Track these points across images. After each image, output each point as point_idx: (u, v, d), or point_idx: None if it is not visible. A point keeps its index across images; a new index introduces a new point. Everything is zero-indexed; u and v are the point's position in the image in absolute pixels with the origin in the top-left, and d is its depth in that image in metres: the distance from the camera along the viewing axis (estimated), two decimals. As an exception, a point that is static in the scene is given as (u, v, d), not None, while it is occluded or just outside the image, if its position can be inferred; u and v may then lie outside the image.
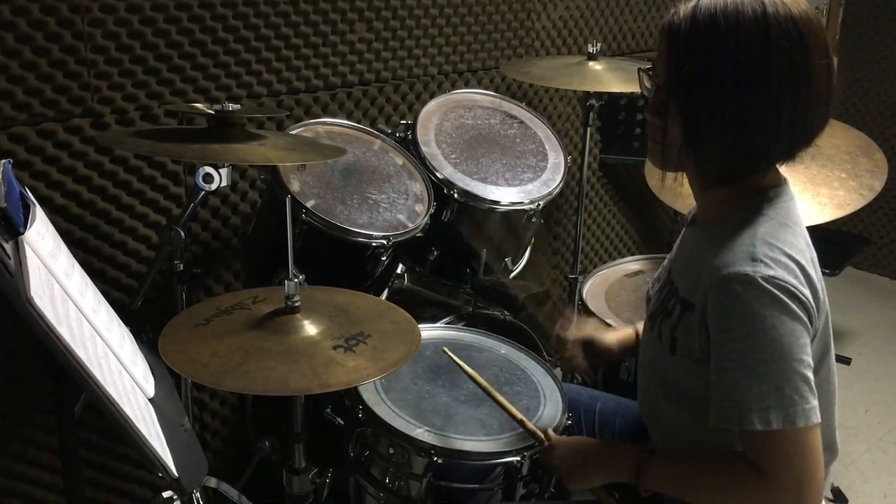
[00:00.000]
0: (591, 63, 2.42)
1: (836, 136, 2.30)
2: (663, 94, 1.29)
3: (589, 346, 1.74)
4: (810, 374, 1.19)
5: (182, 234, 1.69)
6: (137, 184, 2.00)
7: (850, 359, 3.18)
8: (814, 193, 2.13)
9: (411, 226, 1.95)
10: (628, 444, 1.42)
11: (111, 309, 1.35)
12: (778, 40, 1.19)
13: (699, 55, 1.23)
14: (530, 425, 1.54)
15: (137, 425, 1.07)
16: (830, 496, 1.69)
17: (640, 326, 1.69)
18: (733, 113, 1.22)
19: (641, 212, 3.41)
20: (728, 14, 1.20)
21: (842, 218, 2.12)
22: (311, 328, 1.40)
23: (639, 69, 1.36)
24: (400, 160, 2.10)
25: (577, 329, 1.77)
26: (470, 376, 1.60)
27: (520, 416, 1.54)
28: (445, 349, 1.65)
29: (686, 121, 1.26)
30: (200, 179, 1.65)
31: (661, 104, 1.29)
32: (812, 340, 1.22)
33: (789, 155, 1.30)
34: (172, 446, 1.15)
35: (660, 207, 3.41)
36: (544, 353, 2.11)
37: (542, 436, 1.52)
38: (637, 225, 3.42)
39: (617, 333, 1.76)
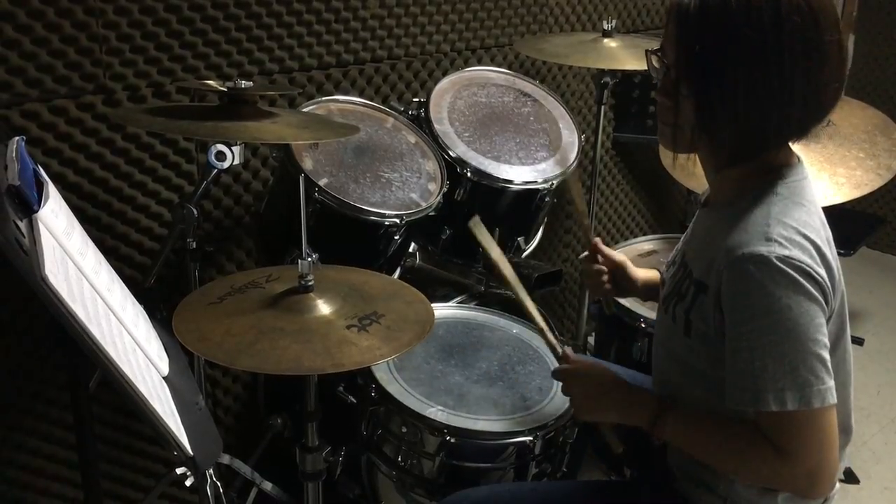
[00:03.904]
0: (605, 40, 2.39)
1: (854, 116, 2.27)
2: (674, 74, 1.28)
3: (618, 271, 1.71)
4: (826, 355, 1.18)
5: (195, 211, 1.69)
6: (150, 161, 2.00)
7: (864, 339, 3.17)
8: (831, 173, 2.11)
9: (424, 205, 1.94)
10: (649, 391, 1.41)
11: (125, 287, 1.36)
12: (789, 16, 1.17)
13: (710, 34, 1.21)
14: (551, 338, 1.48)
15: (152, 403, 1.07)
16: (842, 477, 1.68)
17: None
18: (746, 91, 1.20)
19: (655, 191, 3.38)
20: None
21: (858, 198, 2.10)
22: (324, 307, 1.40)
23: (646, 51, 1.35)
24: (413, 138, 2.09)
25: (614, 253, 1.74)
26: (493, 258, 1.50)
27: (542, 324, 1.49)
28: (473, 221, 1.50)
29: (698, 101, 1.25)
30: (213, 157, 1.64)
31: (672, 85, 1.28)
32: (828, 321, 1.21)
33: (802, 132, 1.28)
34: (187, 424, 1.16)
35: (673, 186, 3.39)
36: (556, 333, 2.11)
37: (560, 350, 1.48)
38: (650, 204, 3.40)
39: (645, 271, 1.73)
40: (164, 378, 1.26)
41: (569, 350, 1.48)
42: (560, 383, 1.56)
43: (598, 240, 1.71)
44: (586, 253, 1.73)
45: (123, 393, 1.03)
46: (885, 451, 2.76)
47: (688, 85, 1.25)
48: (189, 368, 1.37)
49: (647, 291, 1.72)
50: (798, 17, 1.18)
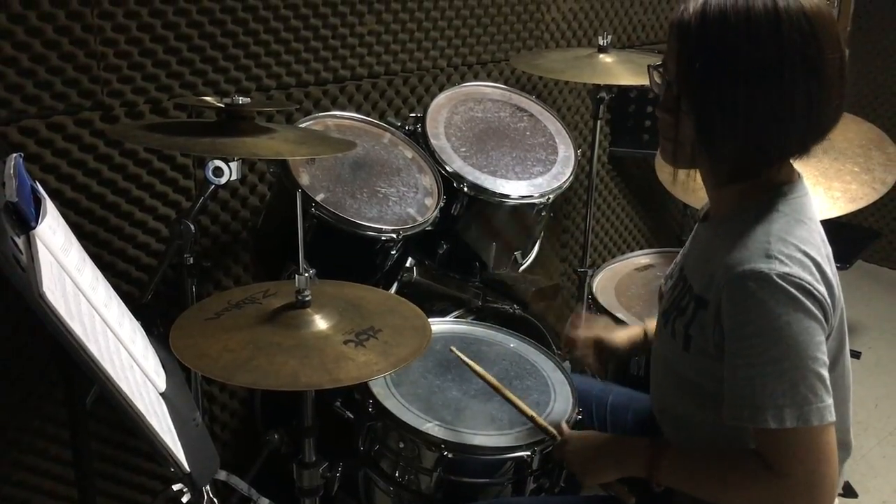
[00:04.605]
0: (601, 55, 2.40)
1: (849, 130, 2.28)
2: (675, 90, 1.28)
3: (599, 344, 1.74)
4: (825, 373, 1.18)
5: (192, 227, 1.69)
6: (147, 177, 2.00)
7: (860, 352, 3.17)
8: (826, 187, 2.12)
9: (421, 219, 1.95)
10: (642, 439, 1.42)
11: (122, 303, 1.35)
12: (789, 34, 1.17)
13: (710, 51, 1.21)
14: (541, 421, 1.53)
15: (149, 420, 1.07)
16: (841, 491, 1.69)
17: (649, 324, 1.68)
18: (746, 108, 1.20)
19: (651, 205, 3.39)
20: (738, 9, 1.19)
21: (853, 212, 2.11)
22: (321, 323, 1.40)
23: (649, 66, 1.35)
24: (409, 153, 2.10)
25: (587, 328, 1.77)
26: (479, 375, 1.60)
27: (531, 412, 1.54)
28: (453, 348, 1.64)
29: (698, 117, 1.25)
30: (210, 173, 1.64)
31: (673, 101, 1.28)
32: (827, 338, 1.21)
33: (803, 149, 1.28)
34: (184, 441, 1.15)
35: (669, 201, 3.40)
36: (554, 347, 2.11)
37: (554, 431, 1.52)
38: (647, 218, 3.41)
39: (627, 332, 1.75)
40: (162, 394, 1.26)
41: (562, 426, 1.54)
42: (556, 400, 1.63)
43: (571, 325, 1.78)
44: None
45: (120, 409, 1.03)
46: (883, 465, 2.76)
47: (688, 101, 1.25)
48: (186, 384, 1.37)
49: (632, 350, 1.75)
50: (798, 34, 1.18)
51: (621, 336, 1.74)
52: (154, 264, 2.03)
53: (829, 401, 1.17)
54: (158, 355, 1.36)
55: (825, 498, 1.19)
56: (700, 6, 1.22)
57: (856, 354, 3.09)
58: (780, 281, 1.17)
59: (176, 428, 1.18)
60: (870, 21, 4.00)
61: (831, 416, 1.17)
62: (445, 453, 1.54)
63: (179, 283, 1.79)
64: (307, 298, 1.42)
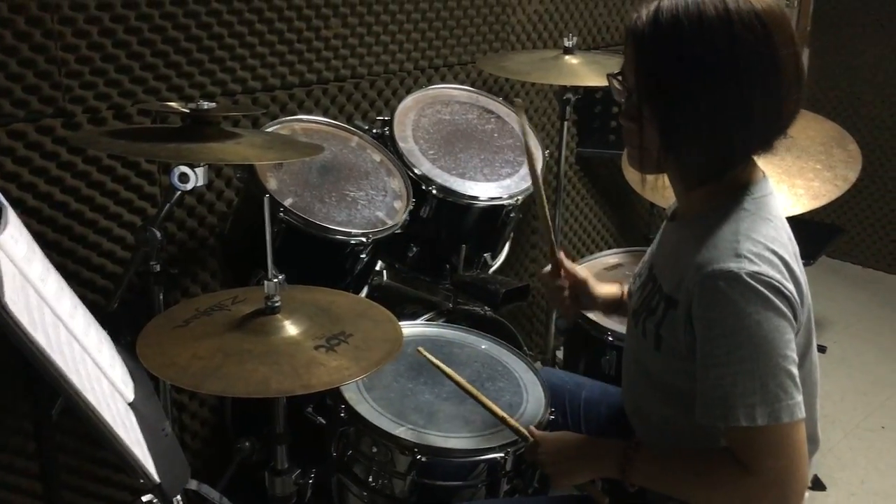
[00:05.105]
0: (567, 57, 2.42)
1: (810, 128, 2.31)
2: (636, 98, 1.29)
3: (579, 287, 1.68)
4: (795, 370, 1.19)
5: (158, 234, 1.67)
6: (111, 184, 1.97)
7: (826, 347, 3.22)
8: (790, 185, 2.15)
9: (390, 223, 1.94)
10: (614, 439, 1.42)
11: (88, 312, 1.33)
12: (743, 35, 1.19)
13: (666, 59, 1.22)
14: (513, 423, 1.53)
15: (117, 431, 1.05)
16: (809, 484, 1.71)
17: (625, 287, 1.68)
18: (707, 112, 1.22)
19: (618, 205, 3.42)
20: (690, 14, 1.20)
21: (816, 208, 2.14)
22: (291, 328, 1.39)
23: (608, 75, 1.36)
24: (378, 157, 2.09)
25: (575, 268, 1.71)
26: (449, 376, 1.59)
27: (502, 413, 1.54)
28: (420, 349, 1.62)
29: (661, 124, 1.26)
30: (176, 179, 1.62)
31: (635, 109, 1.29)
32: (795, 335, 1.23)
33: (767, 146, 1.30)
34: (153, 451, 1.14)
35: (636, 200, 3.43)
36: (525, 349, 2.11)
37: (526, 433, 1.51)
38: (614, 218, 3.43)
39: (606, 287, 1.71)
40: (130, 404, 1.24)
41: (532, 429, 1.52)
42: (528, 400, 1.64)
43: (562, 254, 1.69)
44: (549, 267, 1.71)
45: (88, 421, 1.01)
46: (850, 458, 2.80)
47: (650, 108, 1.26)
48: (155, 394, 1.35)
49: (607, 307, 1.72)
50: (751, 34, 1.19)
51: (600, 289, 1.70)
52: (120, 272, 2.00)
53: (799, 398, 1.19)
54: (126, 365, 1.34)
55: (796, 493, 1.21)
56: (653, 14, 1.23)
57: (822, 349, 3.13)
58: (749, 280, 1.18)
59: (145, 438, 1.16)
60: (829, 20, 4.07)
61: (801, 413, 1.19)
62: (419, 457, 1.54)
63: (146, 291, 1.77)
64: (277, 304, 1.41)
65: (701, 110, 1.22)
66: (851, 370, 3.34)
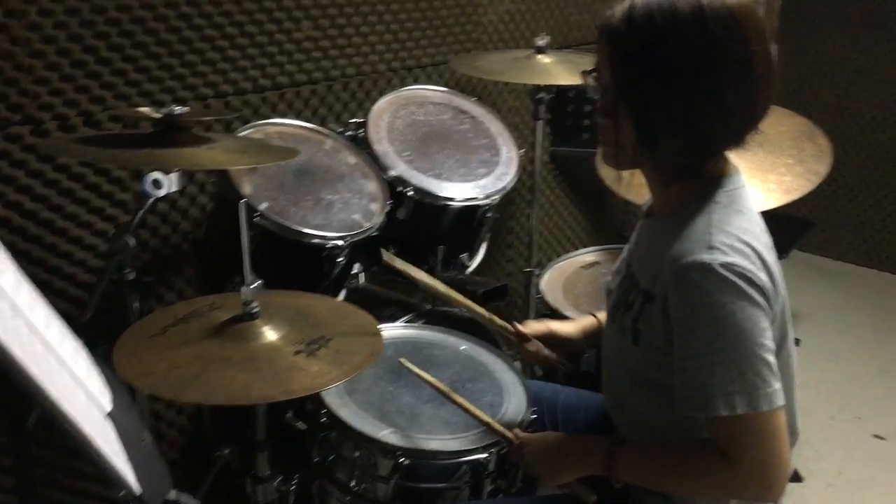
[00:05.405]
0: (539, 56, 2.42)
1: (781, 123, 2.34)
2: (611, 95, 1.29)
3: (550, 338, 1.72)
4: (772, 358, 1.20)
5: (132, 242, 1.64)
6: (82, 191, 1.94)
7: (799, 339, 3.24)
8: (762, 180, 2.17)
9: (367, 225, 1.93)
10: (597, 437, 1.43)
11: (62, 323, 1.31)
12: (716, 31, 1.20)
13: (641, 55, 1.23)
14: (497, 427, 1.53)
15: (96, 442, 1.03)
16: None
17: (601, 315, 1.69)
18: (682, 107, 1.23)
19: (592, 203, 3.43)
20: (664, 10, 1.21)
21: (788, 203, 2.16)
22: (271, 334, 1.38)
23: (582, 72, 1.37)
24: (353, 159, 2.08)
25: (537, 322, 1.75)
26: (432, 385, 1.58)
27: (486, 418, 1.53)
28: (402, 360, 1.61)
29: (637, 120, 1.27)
30: (149, 185, 1.60)
31: (611, 105, 1.30)
32: (771, 325, 1.24)
33: (739, 140, 1.31)
34: (133, 461, 1.12)
35: (610, 198, 3.44)
36: (504, 348, 2.11)
37: (511, 435, 1.51)
38: (589, 216, 3.45)
39: (576, 323, 1.74)
40: (108, 414, 1.22)
41: (517, 431, 1.52)
42: (509, 401, 1.64)
43: (516, 325, 1.72)
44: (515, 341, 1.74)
45: (65, 433, 0.99)
46: (826, 449, 2.83)
47: (626, 104, 1.27)
48: (134, 404, 1.33)
49: (588, 337, 1.72)
50: (724, 30, 1.20)
51: (570, 327, 1.72)
52: (93, 281, 1.97)
53: (777, 385, 1.20)
54: (104, 375, 1.32)
55: (779, 480, 1.22)
56: (627, 10, 1.24)
57: (796, 341, 3.16)
58: (722, 271, 1.19)
59: (124, 448, 1.14)
60: (798, 16, 4.11)
61: (780, 401, 1.20)
62: (402, 460, 1.53)
63: (121, 300, 1.74)
64: (255, 310, 1.39)
65: (676, 106, 1.23)
66: (825, 362, 3.38)
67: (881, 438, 2.91)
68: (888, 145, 4.08)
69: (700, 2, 1.20)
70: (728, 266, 1.19)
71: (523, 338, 1.71)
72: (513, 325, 1.71)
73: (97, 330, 1.55)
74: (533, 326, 1.71)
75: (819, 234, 4.30)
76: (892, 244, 4.19)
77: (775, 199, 2.13)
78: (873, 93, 4.05)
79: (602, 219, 3.51)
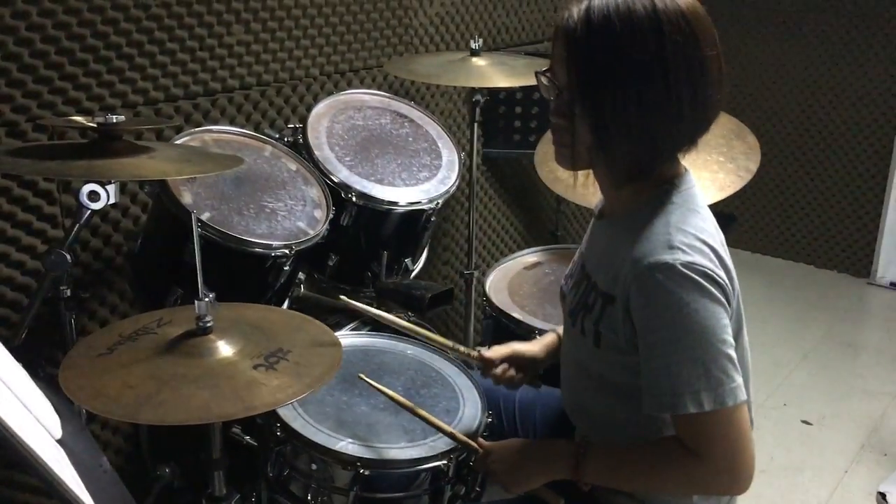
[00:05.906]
0: (474, 59, 2.42)
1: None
2: (567, 96, 1.30)
3: (516, 360, 1.67)
4: (734, 353, 1.23)
5: (68, 257, 1.58)
6: (7, 205, 1.85)
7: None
8: (697, 177, 2.20)
9: (312, 232, 1.89)
10: (563, 440, 1.43)
11: (2, 345, 1.23)
12: (671, 35, 1.22)
13: (598, 57, 1.24)
14: (461, 437, 1.51)
15: (55, 469, 0.98)
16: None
17: (560, 330, 1.69)
18: (637, 109, 1.24)
19: (525, 203, 3.45)
20: (621, 14, 1.22)
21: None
22: (226, 349, 1.33)
23: (537, 72, 1.37)
24: (293, 165, 2.04)
25: (499, 347, 1.70)
26: (394, 399, 1.55)
27: (449, 429, 1.52)
28: (361, 375, 1.57)
29: (593, 121, 1.27)
30: (85, 198, 1.54)
31: (566, 106, 1.30)
32: (730, 320, 1.26)
33: (692, 142, 1.34)
34: (92, 489, 1.06)
35: (542, 199, 3.47)
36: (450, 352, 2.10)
37: (475, 445, 1.50)
38: (522, 217, 3.47)
39: (539, 342, 1.71)
40: (59, 441, 1.16)
41: (481, 440, 1.52)
42: (465, 405, 1.65)
43: (479, 350, 1.69)
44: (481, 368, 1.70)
45: (23, 463, 0.93)
46: (758, 436, 2.83)
47: (582, 105, 1.28)
48: (87, 428, 1.27)
49: (551, 356, 1.68)
50: (679, 35, 1.22)
51: (535, 346, 1.69)
52: (21, 300, 1.88)
53: (740, 380, 1.23)
54: (49, 400, 1.25)
55: (746, 473, 1.25)
56: (584, 13, 1.25)
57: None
58: (684, 270, 1.21)
59: (81, 476, 1.08)
60: (725, 18, 4.21)
61: (743, 395, 1.23)
62: (362, 470, 1.50)
63: (54, 318, 1.66)
64: (209, 324, 1.34)
65: (631, 107, 1.24)
66: (751, 352, 3.47)
67: (808, 424, 3.02)
68: (804, 143, 4.24)
69: (656, 6, 1.22)
70: (689, 265, 1.21)
71: (489, 363, 1.67)
72: (478, 352, 1.68)
73: (35, 352, 1.48)
74: (497, 350, 1.67)
75: (739, 227, 4.45)
76: (809, 237, 4.37)
77: (711, 196, 2.18)
78: (793, 93, 4.21)
79: (535, 219, 3.54)
